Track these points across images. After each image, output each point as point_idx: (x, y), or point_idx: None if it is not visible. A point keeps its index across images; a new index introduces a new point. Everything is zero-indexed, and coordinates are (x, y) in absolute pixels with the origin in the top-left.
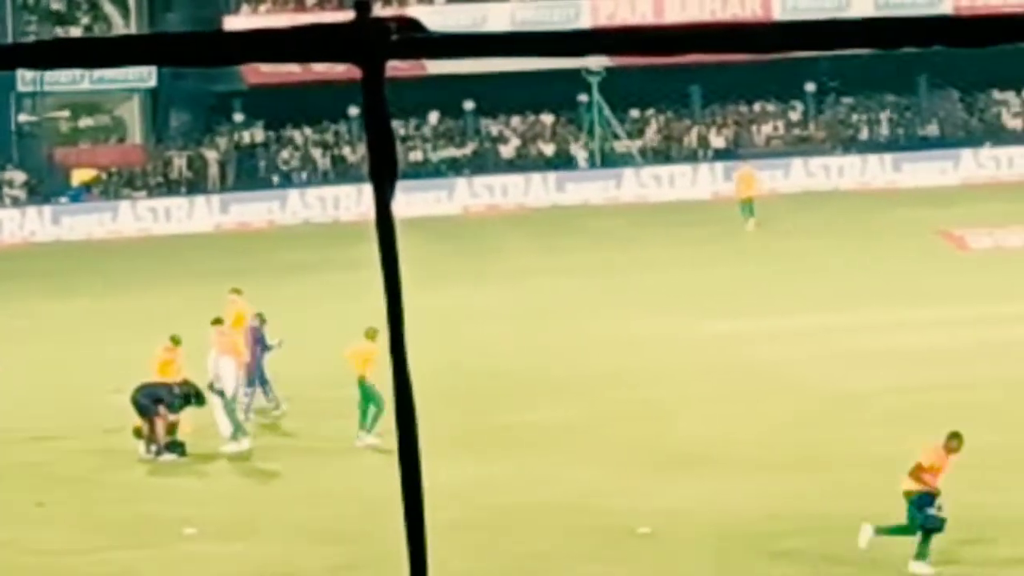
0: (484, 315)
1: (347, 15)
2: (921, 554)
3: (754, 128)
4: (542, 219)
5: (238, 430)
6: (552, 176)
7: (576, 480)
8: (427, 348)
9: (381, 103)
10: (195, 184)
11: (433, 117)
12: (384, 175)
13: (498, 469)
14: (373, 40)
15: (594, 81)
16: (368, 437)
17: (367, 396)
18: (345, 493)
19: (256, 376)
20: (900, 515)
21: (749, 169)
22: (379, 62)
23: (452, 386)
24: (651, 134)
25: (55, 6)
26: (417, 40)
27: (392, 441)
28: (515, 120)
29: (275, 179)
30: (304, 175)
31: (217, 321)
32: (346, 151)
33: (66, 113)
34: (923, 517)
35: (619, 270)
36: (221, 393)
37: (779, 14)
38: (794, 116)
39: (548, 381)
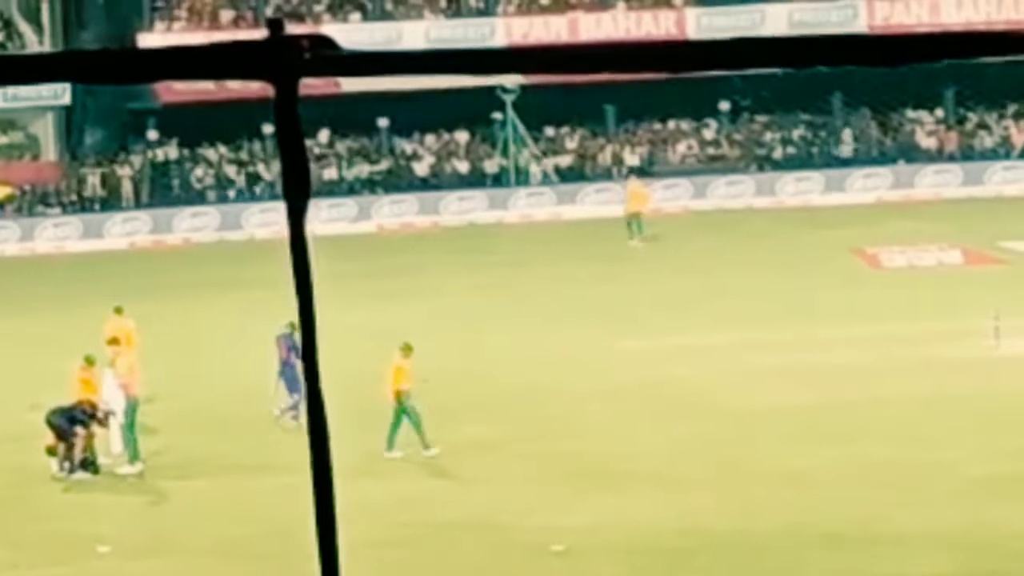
0: (398, 333)
1: (262, 33)
2: None
3: (668, 146)
4: (456, 237)
5: (131, 453)
6: (466, 194)
7: (490, 498)
8: (341, 366)
9: (294, 121)
10: (109, 201)
11: (347, 135)
12: (297, 193)
13: (412, 487)
14: (286, 58)
15: (509, 99)
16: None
17: (408, 412)
18: (259, 510)
19: (292, 382)
20: (815, 529)
21: (638, 184)
22: (292, 80)
23: (367, 404)
24: (565, 152)
25: None
26: (330, 58)
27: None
28: (429, 138)
29: (189, 197)
30: (218, 193)
31: (113, 341)
32: (260, 169)
33: None
34: None
35: (534, 288)
36: (113, 414)
37: (693, 33)
38: (708, 134)
39: (462, 399)
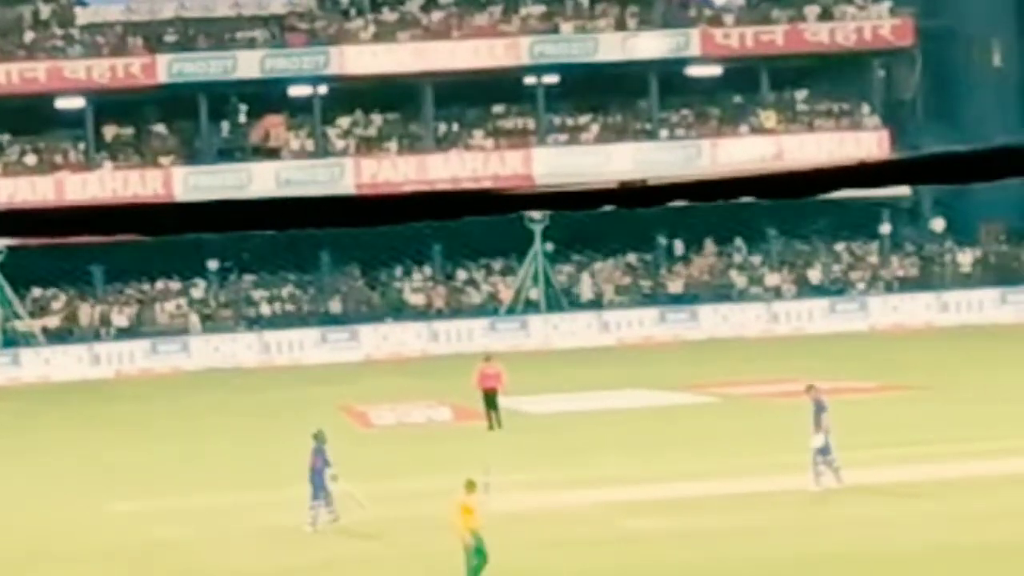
0: None
1: None
2: None
3: (157, 306)
4: None
5: None
6: None
7: None
8: None
9: None
10: None
11: None
12: None
13: None
14: None
15: None
16: None
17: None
18: None
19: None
20: None
21: None
22: None
23: None
24: (53, 313)
25: None
26: None
27: None
28: None
29: None
30: None
31: None
32: None
33: None
34: None
35: (23, 452)
36: None
37: (181, 192)
38: (197, 293)
39: None
